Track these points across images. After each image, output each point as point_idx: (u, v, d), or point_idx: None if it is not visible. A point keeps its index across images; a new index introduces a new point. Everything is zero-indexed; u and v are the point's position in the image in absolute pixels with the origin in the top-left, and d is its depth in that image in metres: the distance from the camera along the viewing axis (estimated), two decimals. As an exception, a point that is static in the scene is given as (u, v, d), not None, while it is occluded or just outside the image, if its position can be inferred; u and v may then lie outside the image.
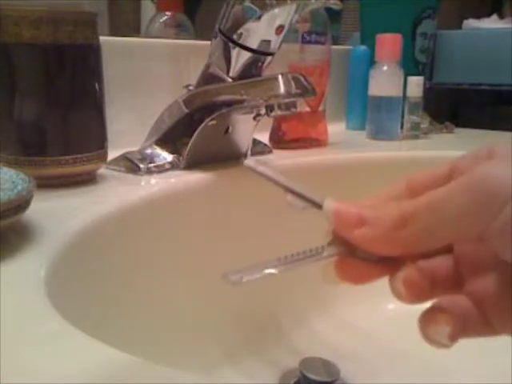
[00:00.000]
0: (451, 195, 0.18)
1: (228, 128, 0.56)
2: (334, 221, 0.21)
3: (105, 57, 0.47)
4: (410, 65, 0.87)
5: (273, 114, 0.51)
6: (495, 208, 0.17)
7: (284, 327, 0.56)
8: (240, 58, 0.53)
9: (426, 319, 0.20)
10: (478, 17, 1.13)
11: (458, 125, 0.92)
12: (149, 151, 0.55)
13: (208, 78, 0.55)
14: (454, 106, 1.12)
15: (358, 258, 0.21)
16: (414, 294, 0.20)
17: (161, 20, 0.80)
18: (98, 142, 0.47)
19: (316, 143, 0.71)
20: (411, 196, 0.21)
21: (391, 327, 0.55)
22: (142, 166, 0.52)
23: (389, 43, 0.78)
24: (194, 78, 0.57)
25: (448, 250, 0.21)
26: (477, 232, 0.18)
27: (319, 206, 0.21)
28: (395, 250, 0.20)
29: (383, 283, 0.21)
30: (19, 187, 0.33)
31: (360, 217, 0.20)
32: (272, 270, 0.23)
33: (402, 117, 0.81)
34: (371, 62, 0.82)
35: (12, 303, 0.26)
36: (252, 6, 0.50)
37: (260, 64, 0.53)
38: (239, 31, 0.51)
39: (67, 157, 0.44)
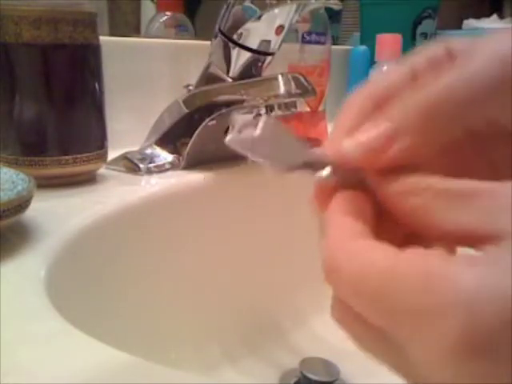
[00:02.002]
0: (448, 89, 0.16)
1: (228, 128, 0.56)
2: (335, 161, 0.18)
3: (105, 57, 0.47)
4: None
5: (273, 114, 0.51)
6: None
7: (284, 327, 0.56)
8: (240, 58, 0.53)
9: None
10: (477, 17, 1.13)
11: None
12: (149, 151, 0.55)
13: (208, 77, 0.55)
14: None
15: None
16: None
17: (161, 20, 0.80)
18: (97, 141, 0.47)
19: (316, 143, 0.71)
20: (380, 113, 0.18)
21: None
22: (141, 165, 0.52)
23: (389, 43, 0.78)
24: (194, 78, 0.57)
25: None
26: (487, 118, 0.17)
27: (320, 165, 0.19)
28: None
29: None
30: (19, 187, 0.34)
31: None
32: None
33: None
34: (371, 61, 0.82)
35: (12, 303, 0.26)
36: (252, 6, 0.50)
37: (260, 64, 0.53)
38: (239, 31, 0.51)
39: (67, 157, 0.44)
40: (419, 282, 0.14)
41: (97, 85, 0.46)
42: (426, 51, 0.19)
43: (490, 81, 0.17)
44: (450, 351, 0.13)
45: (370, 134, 0.18)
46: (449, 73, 0.17)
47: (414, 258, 0.14)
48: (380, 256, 0.15)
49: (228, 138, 0.19)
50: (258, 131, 0.19)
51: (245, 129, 0.19)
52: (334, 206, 0.18)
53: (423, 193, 0.16)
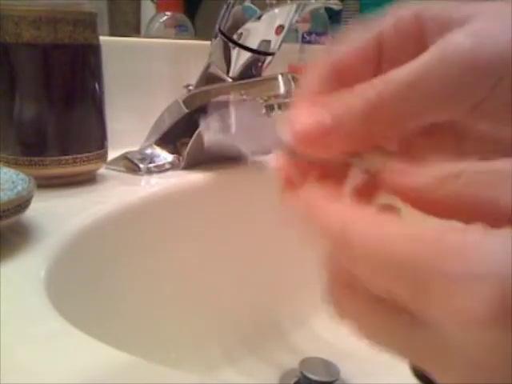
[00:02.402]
0: (433, 66, 0.15)
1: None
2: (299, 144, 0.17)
3: (105, 57, 0.47)
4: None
5: (273, 114, 0.51)
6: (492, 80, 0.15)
7: (284, 327, 0.56)
8: (240, 58, 0.53)
9: None
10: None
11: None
12: (149, 151, 0.55)
13: (208, 78, 0.55)
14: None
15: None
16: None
17: (161, 20, 0.80)
18: (97, 141, 0.47)
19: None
20: (342, 88, 0.17)
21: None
22: (141, 165, 0.52)
23: (389, 43, 0.78)
24: (194, 78, 0.57)
25: None
26: (470, 104, 0.16)
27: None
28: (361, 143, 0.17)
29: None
30: (19, 187, 0.34)
31: (320, 125, 0.16)
32: None
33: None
34: (371, 62, 0.82)
35: (12, 303, 0.26)
36: (252, 6, 0.50)
37: (260, 64, 0.53)
38: (239, 31, 0.51)
39: (67, 157, 0.44)
40: (452, 248, 0.13)
41: (97, 85, 0.46)
42: (396, 17, 0.19)
43: (443, 87, 0.16)
44: (488, 319, 0.12)
45: (306, 122, 0.17)
46: (404, 71, 0.16)
47: (445, 228, 0.14)
48: (402, 223, 0.14)
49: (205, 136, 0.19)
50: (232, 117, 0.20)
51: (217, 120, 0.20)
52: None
53: (463, 176, 0.15)
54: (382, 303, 0.15)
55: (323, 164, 0.18)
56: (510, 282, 0.12)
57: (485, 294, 0.12)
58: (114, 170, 0.53)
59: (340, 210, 0.15)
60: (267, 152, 0.19)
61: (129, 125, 0.64)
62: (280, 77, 0.48)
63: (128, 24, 0.80)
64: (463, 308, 0.13)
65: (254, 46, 0.52)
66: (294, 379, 0.48)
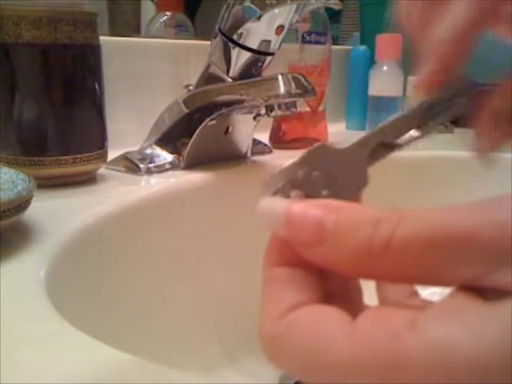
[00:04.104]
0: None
1: (228, 128, 0.56)
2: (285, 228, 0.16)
3: (105, 57, 0.47)
4: (409, 65, 0.87)
5: (273, 114, 0.51)
6: None
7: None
8: (240, 58, 0.53)
9: None
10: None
11: (457, 125, 0.92)
12: (149, 151, 0.55)
13: (208, 78, 0.55)
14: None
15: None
16: None
17: (161, 20, 0.80)
18: (97, 141, 0.47)
19: (316, 143, 0.71)
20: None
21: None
22: (142, 165, 0.52)
23: (389, 43, 0.78)
24: (194, 78, 0.57)
25: None
26: None
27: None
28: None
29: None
30: (19, 187, 0.34)
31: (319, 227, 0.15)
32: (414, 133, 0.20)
33: (402, 117, 0.81)
34: (371, 61, 0.82)
35: (12, 303, 0.26)
36: (252, 6, 0.50)
37: (260, 64, 0.53)
38: (239, 31, 0.51)
39: (67, 157, 0.44)
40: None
41: (97, 85, 0.46)
42: None
43: None
44: None
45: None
46: None
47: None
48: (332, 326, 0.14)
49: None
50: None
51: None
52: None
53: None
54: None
55: None
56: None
57: None
58: (114, 169, 0.53)
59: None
60: None
61: (129, 125, 0.64)
62: (280, 77, 0.48)
63: (128, 24, 0.80)
64: None
65: (254, 46, 0.52)
66: (294, 379, 0.48)
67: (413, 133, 0.20)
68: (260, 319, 0.16)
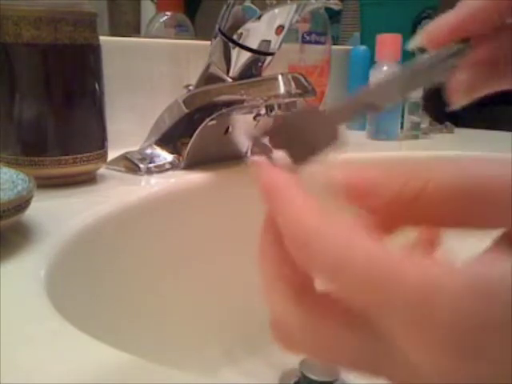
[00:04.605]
0: None
1: (228, 128, 0.56)
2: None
3: (105, 57, 0.47)
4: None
5: (273, 113, 0.51)
6: None
7: (284, 327, 0.55)
8: (240, 58, 0.53)
9: None
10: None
11: (457, 125, 0.92)
12: (149, 151, 0.55)
13: (208, 78, 0.55)
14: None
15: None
16: None
17: (161, 20, 0.80)
18: (97, 141, 0.47)
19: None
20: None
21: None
22: (142, 165, 0.52)
23: (389, 43, 0.78)
24: (194, 78, 0.57)
25: None
26: None
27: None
28: None
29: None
30: (19, 187, 0.34)
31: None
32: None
33: (402, 117, 0.81)
34: (371, 62, 0.82)
35: (12, 303, 0.26)
36: (252, 5, 0.50)
37: (260, 64, 0.53)
38: (239, 31, 0.51)
39: (67, 157, 0.44)
40: (417, 279, 0.14)
41: (97, 85, 0.46)
42: None
43: None
44: (440, 348, 0.13)
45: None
46: None
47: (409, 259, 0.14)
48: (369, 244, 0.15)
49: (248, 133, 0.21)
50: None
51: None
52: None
53: None
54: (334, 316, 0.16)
55: None
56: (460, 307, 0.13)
57: (435, 323, 0.13)
58: (114, 169, 0.52)
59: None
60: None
61: (129, 125, 0.64)
62: (280, 77, 0.48)
63: (128, 24, 0.80)
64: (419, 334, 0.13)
65: (254, 46, 0.52)
66: (294, 379, 0.48)
67: (394, 95, 0.21)
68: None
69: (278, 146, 0.20)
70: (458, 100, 0.21)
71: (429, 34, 0.21)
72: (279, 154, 0.20)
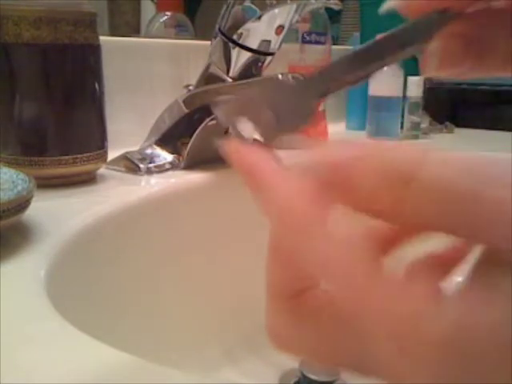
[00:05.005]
0: None
1: (228, 128, 0.56)
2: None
3: (105, 57, 0.47)
4: (410, 65, 0.87)
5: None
6: None
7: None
8: (240, 58, 0.53)
9: None
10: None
11: (457, 125, 0.92)
12: (149, 151, 0.55)
13: (208, 78, 0.55)
14: (453, 105, 1.12)
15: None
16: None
17: (161, 20, 0.80)
18: (97, 141, 0.47)
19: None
20: None
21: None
22: (142, 165, 0.52)
23: (389, 43, 0.78)
24: (194, 78, 0.57)
25: None
26: None
27: None
28: None
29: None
30: (19, 187, 0.34)
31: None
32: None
33: (402, 117, 0.81)
34: (371, 62, 0.82)
35: (12, 303, 0.26)
36: (252, 5, 0.50)
37: (260, 64, 0.53)
38: (239, 31, 0.51)
39: (67, 157, 0.44)
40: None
41: (97, 85, 0.46)
42: None
43: None
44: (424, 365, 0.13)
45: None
46: None
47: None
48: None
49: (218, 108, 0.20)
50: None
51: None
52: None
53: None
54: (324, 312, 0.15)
55: None
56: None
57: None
58: (114, 169, 0.52)
59: None
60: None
61: (129, 125, 0.64)
62: (280, 77, 0.48)
63: (128, 24, 0.80)
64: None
65: (254, 46, 0.52)
66: (294, 379, 0.48)
67: (365, 69, 0.20)
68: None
69: (247, 124, 0.19)
70: (428, 70, 0.20)
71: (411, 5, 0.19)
72: (248, 131, 0.19)
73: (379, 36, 0.19)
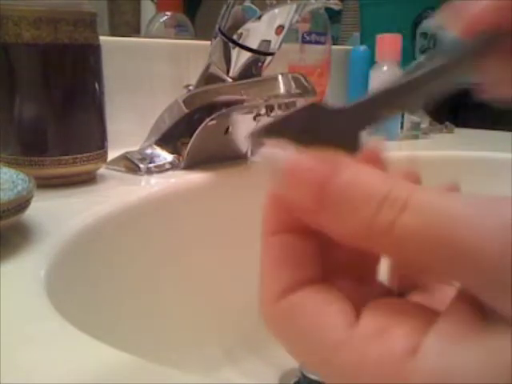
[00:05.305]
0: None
1: (228, 128, 0.56)
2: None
3: (105, 57, 0.47)
4: (409, 64, 0.87)
5: (273, 114, 0.51)
6: None
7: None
8: (240, 58, 0.53)
9: None
10: (477, 17, 1.13)
11: (457, 125, 0.92)
12: (149, 151, 0.55)
13: (208, 78, 0.55)
14: (454, 106, 1.12)
15: None
16: None
17: (161, 20, 0.80)
18: (97, 141, 0.47)
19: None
20: None
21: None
22: (142, 165, 0.52)
23: (389, 43, 0.78)
24: (194, 78, 0.57)
25: None
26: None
27: None
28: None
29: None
30: (19, 187, 0.33)
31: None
32: None
33: (402, 117, 0.81)
34: (371, 62, 0.82)
35: (12, 303, 0.26)
36: (252, 5, 0.50)
37: (260, 64, 0.53)
38: (239, 31, 0.51)
39: (67, 157, 0.44)
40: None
41: (97, 85, 0.46)
42: None
43: None
44: None
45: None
46: None
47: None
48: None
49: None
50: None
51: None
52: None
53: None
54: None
55: None
56: None
57: None
58: (114, 169, 0.52)
59: None
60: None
61: (129, 125, 0.64)
62: (280, 77, 0.48)
63: (128, 24, 0.80)
64: None
65: (254, 46, 0.52)
66: (294, 379, 0.48)
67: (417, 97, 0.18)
68: (261, 294, 0.16)
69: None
70: (488, 94, 0.18)
71: (464, 15, 0.17)
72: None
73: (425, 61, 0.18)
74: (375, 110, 0.18)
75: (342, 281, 0.16)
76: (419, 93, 0.18)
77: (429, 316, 0.14)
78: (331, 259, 0.16)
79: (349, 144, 0.17)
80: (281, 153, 0.15)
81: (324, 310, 0.14)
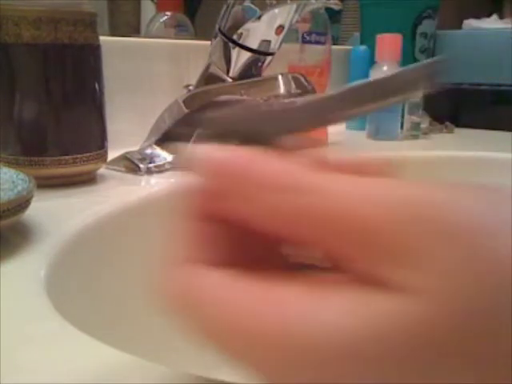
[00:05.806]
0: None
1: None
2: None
3: (105, 57, 0.47)
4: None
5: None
6: None
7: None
8: (240, 58, 0.53)
9: None
10: (477, 17, 1.13)
11: (458, 125, 0.92)
12: (149, 151, 0.55)
13: (208, 78, 0.55)
14: (454, 105, 1.12)
15: None
16: None
17: (161, 20, 0.80)
18: (97, 141, 0.47)
19: (316, 143, 0.71)
20: None
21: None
22: (142, 165, 0.52)
23: (389, 43, 0.78)
24: (194, 78, 0.57)
25: None
26: None
27: None
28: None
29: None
30: (19, 187, 0.34)
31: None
32: None
33: (402, 117, 0.81)
34: (371, 61, 0.82)
35: (12, 303, 0.26)
36: (252, 5, 0.50)
37: (260, 64, 0.53)
38: (239, 31, 0.51)
39: (67, 157, 0.44)
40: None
41: (97, 85, 0.46)
42: None
43: None
44: None
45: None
46: None
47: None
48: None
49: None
50: None
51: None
52: None
53: None
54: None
55: None
56: None
57: None
58: (114, 169, 0.52)
59: None
60: None
61: (129, 125, 0.64)
62: (280, 77, 0.48)
63: (128, 24, 0.80)
64: None
65: (254, 46, 0.52)
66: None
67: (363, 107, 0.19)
68: (167, 267, 0.18)
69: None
70: None
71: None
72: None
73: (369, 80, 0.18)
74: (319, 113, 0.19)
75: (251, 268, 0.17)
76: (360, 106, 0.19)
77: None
78: (246, 249, 0.18)
79: (269, 142, 0.19)
80: (202, 147, 0.17)
81: (212, 272, 0.17)
